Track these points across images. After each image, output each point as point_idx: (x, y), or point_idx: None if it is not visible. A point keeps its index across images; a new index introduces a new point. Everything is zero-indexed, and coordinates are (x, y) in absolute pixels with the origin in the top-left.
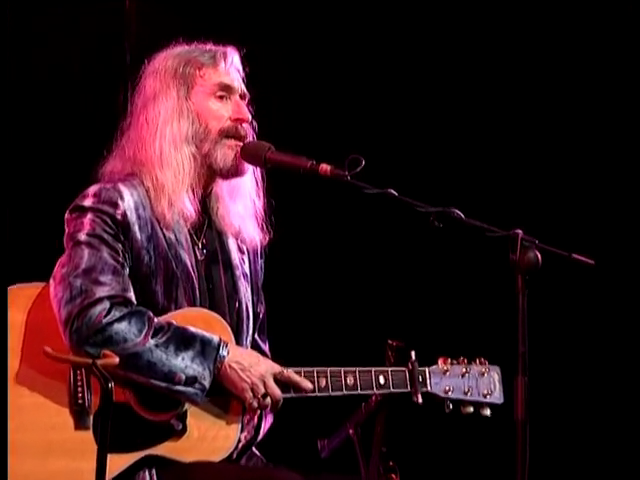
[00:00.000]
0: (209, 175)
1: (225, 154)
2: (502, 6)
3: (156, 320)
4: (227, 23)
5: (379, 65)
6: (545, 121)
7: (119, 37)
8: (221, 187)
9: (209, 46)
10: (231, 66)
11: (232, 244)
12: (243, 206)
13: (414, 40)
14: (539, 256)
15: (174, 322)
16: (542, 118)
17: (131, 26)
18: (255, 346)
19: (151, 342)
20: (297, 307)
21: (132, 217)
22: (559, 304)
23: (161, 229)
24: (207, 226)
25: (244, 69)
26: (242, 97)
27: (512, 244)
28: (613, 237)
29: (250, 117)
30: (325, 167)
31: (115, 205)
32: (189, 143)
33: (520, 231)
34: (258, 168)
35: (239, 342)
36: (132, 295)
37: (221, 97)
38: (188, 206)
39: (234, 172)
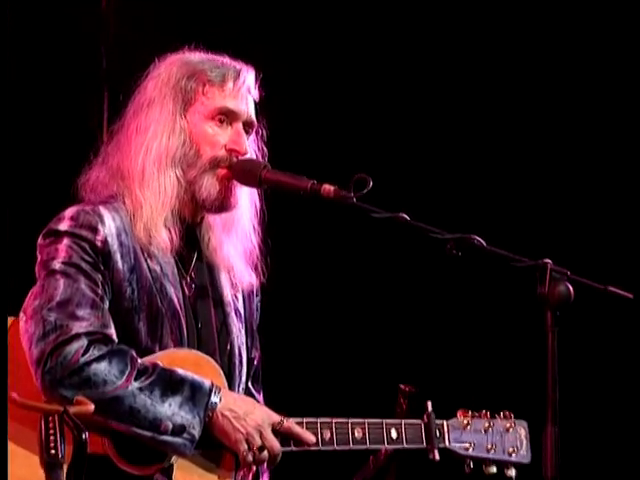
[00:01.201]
0: (195, 204)
1: (211, 185)
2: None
3: (140, 361)
4: (213, 26)
5: (393, 80)
6: (579, 144)
7: (95, 39)
8: (213, 217)
9: (224, 59)
10: (242, 88)
11: (224, 279)
12: (238, 240)
13: (430, 59)
14: (571, 289)
15: (160, 363)
16: (574, 141)
17: (108, 27)
18: (248, 396)
19: (134, 385)
20: (297, 348)
21: (113, 244)
22: (594, 343)
23: (145, 259)
24: (197, 258)
25: (260, 92)
26: (247, 125)
27: (540, 275)
28: None
29: (247, 150)
30: (328, 188)
31: (95, 230)
32: (175, 165)
33: (549, 261)
34: (257, 200)
35: (231, 389)
36: (113, 332)
37: (221, 121)
38: (163, 235)
39: (219, 206)
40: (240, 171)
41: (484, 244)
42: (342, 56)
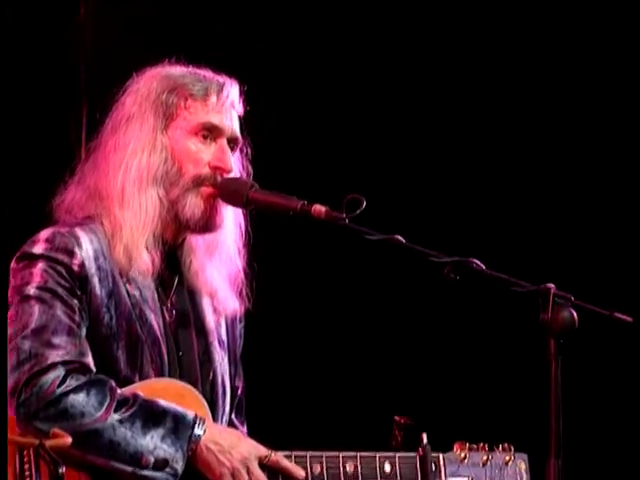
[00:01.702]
0: (178, 224)
1: (195, 204)
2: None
3: (119, 391)
4: (195, 38)
5: (388, 94)
6: (582, 166)
7: (73, 50)
8: (196, 239)
9: (206, 73)
10: (225, 102)
11: (206, 305)
12: (221, 263)
13: (425, 75)
14: (575, 316)
15: (140, 394)
16: (577, 163)
17: (86, 38)
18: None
19: (114, 417)
20: (285, 376)
21: (91, 268)
22: (599, 372)
23: (124, 284)
24: (178, 282)
25: (244, 107)
26: (232, 141)
27: (543, 301)
28: None
29: (232, 167)
30: (319, 208)
31: (71, 253)
32: (157, 184)
33: (552, 285)
34: (242, 221)
35: (214, 421)
36: (90, 361)
37: (205, 137)
38: (145, 257)
39: (203, 226)
40: (226, 191)
41: (483, 268)
42: (332, 68)
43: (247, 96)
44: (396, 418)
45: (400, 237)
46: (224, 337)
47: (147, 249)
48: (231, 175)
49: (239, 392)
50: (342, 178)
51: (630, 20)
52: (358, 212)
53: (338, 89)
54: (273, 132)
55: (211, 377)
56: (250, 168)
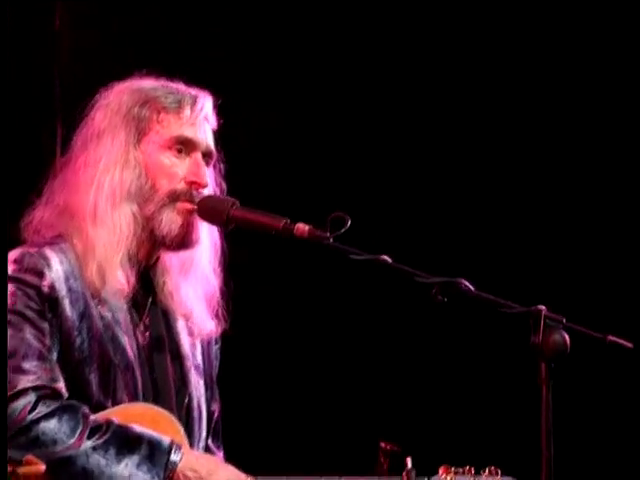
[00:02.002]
0: (152, 242)
1: (172, 220)
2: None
3: (92, 417)
4: (171, 52)
5: (372, 106)
6: (572, 185)
7: (47, 62)
8: (169, 257)
9: (178, 86)
10: (199, 115)
11: (181, 326)
12: (196, 283)
13: (410, 92)
14: (567, 339)
15: (114, 420)
16: (567, 181)
17: (62, 51)
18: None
19: (87, 444)
20: (265, 400)
21: (61, 289)
22: (592, 397)
23: (96, 305)
24: (151, 303)
25: (218, 121)
26: (206, 155)
27: (534, 323)
28: None
29: (208, 182)
30: (302, 227)
31: (41, 274)
32: (131, 200)
33: (543, 307)
34: (218, 239)
35: (191, 446)
36: (62, 386)
37: (179, 151)
38: (120, 278)
39: (180, 243)
40: (206, 209)
41: (472, 289)
42: (313, 79)
43: (223, 109)
44: (382, 444)
45: (386, 257)
46: (199, 359)
47: (121, 268)
48: (206, 190)
49: (215, 416)
50: (326, 195)
51: (630, 20)
52: (343, 231)
53: (321, 101)
54: (251, 147)
55: (187, 401)
56: (224, 184)
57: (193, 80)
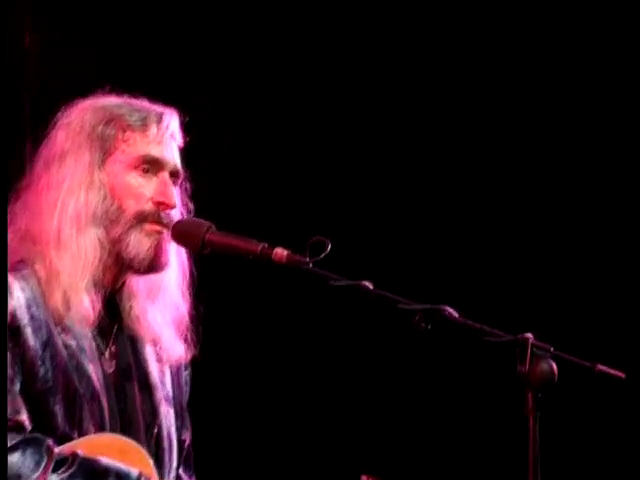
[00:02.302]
0: (119, 266)
1: (140, 242)
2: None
3: (57, 450)
4: (141, 68)
5: (352, 122)
6: (558, 208)
7: (16, 81)
8: (136, 281)
9: (142, 103)
10: (166, 133)
11: (149, 353)
12: (165, 307)
13: (388, 113)
14: (555, 368)
15: (80, 452)
16: (553, 205)
17: (31, 69)
18: None
19: (52, 478)
20: (238, 428)
21: (23, 318)
22: (580, 428)
23: (59, 333)
24: (117, 330)
25: (184, 138)
26: (174, 175)
27: (520, 352)
28: None
29: (177, 202)
30: (281, 252)
31: None
32: (96, 224)
33: (530, 335)
34: (186, 260)
35: (161, 477)
36: (26, 418)
37: (145, 171)
38: (86, 304)
39: (149, 265)
40: (180, 233)
41: (456, 316)
42: (284, 93)
43: (190, 126)
44: (363, 478)
45: (368, 283)
46: (169, 387)
47: (87, 294)
48: (174, 211)
49: (186, 445)
50: (305, 218)
51: (630, 20)
52: (323, 256)
53: (296, 117)
54: (220, 165)
55: (156, 431)
56: (191, 204)
57: (158, 97)
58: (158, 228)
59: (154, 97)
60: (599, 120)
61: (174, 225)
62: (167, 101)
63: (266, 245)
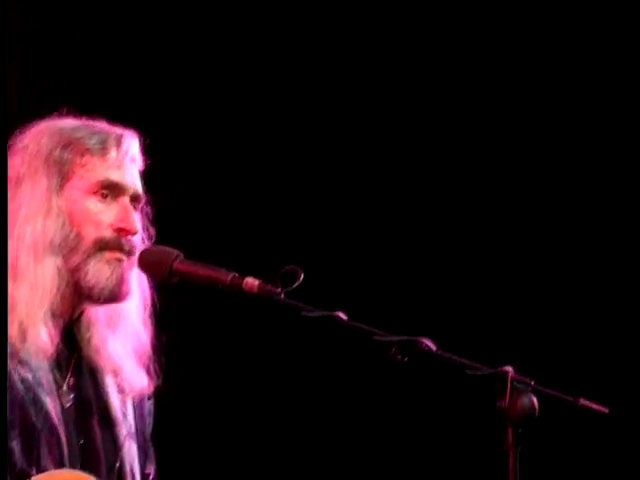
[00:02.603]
0: (78, 296)
1: (99, 270)
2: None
3: None
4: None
5: (326, 146)
6: (540, 237)
7: None
8: (95, 310)
9: (101, 125)
10: (125, 157)
11: (110, 384)
12: (126, 337)
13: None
14: (535, 402)
15: None
16: (536, 230)
17: (10, 94)
18: None
19: None
20: (202, 459)
21: None
22: (561, 465)
23: (15, 366)
24: (76, 361)
25: (145, 161)
26: (134, 200)
27: (500, 386)
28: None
29: (138, 228)
30: (251, 282)
31: None
32: (54, 252)
33: (510, 369)
34: (148, 288)
35: None
36: None
37: (105, 196)
38: (43, 336)
39: (109, 295)
40: (147, 261)
41: (434, 348)
42: (251, 113)
43: (151, 148)
44: None
45: (342, 314)
46: (131, 419)
47: (45, 326)
48: (136, 237)
49: (151, 478)
50: (277, 246)
51: (630, 20)
52: (295, 285)
53: (264, 138)
54: (188, 190)
55: (118, 466)
56: (152, 230)
57: (117, 118)
58: (119, 256)
59: (113, 119)
60: (597, 126)
61: (140, 254)
62: (127, 123)
63: (236, 274)
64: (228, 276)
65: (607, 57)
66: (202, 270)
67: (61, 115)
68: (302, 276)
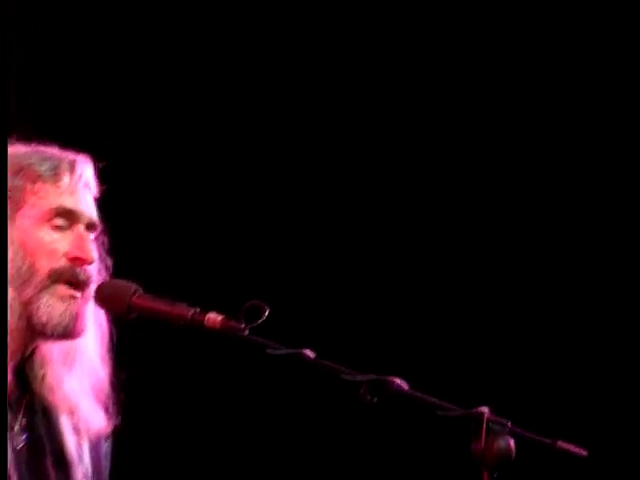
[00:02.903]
0: (31, 332)
1: (52, 306)
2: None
3: None
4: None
5: (286, 174)
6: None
7: None
8: (49, 347)
9: (53, 151)
10: (79, 182)
11: (65, 424)
12: (82, 374)
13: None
14: (512, 445)
15: None
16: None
17: None
18: None
19: None
20: None
21: None
22: None
23: None
24: (28, 401)
25: (100, 188)
26: (90, 228)
27: (475, 428)
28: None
29: (95, 257)
30: (214, 318)
31: None
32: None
33: (486, 410)
34: (105, 322)
35: None
36: None
37: (59, 225)
38: None
39: (63, 332)
40: (104, 296)
41: (406, 388)
42: (206, 138)
43: (106, 173)
44: None
45: (309, 351)
46: (87, 461)
47: None
48: (92, 267)
49: None
50: (241, 280)
51: (630, 20)
52: (260, 321)
53: (225, 163)
54: (146, 217)
55: None
56: (109, 260)
57: (70, 143)
58: (73, 293)
59: (65, 144)
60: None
61: (96, 288)
62: (80, 147)
63: (197, 310)
64: (189, 312)
65: (607, 57)
66: (162, 306)
67: (11, 141)
68: (267, 311)
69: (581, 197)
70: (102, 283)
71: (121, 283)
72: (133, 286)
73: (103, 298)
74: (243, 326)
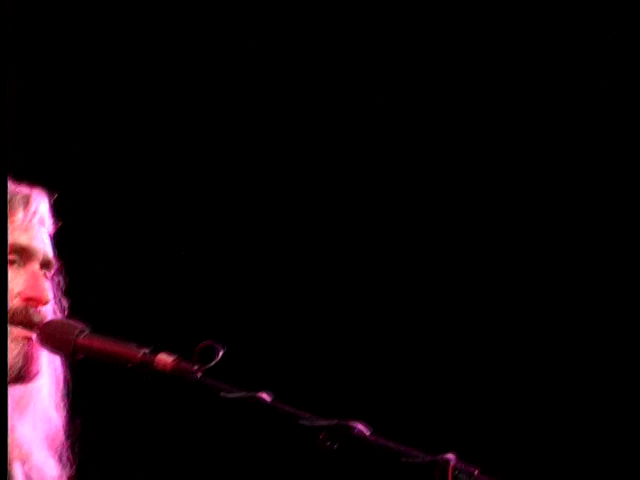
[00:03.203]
0: None
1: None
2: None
3: None
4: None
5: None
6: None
7: None
8: None
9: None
10: (34, 218)
11: (17, 474)
12: (36, 421)
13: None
14: None
15: None
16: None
17: None
18: None
19: None
20: None
21: None
22: None
23: None
24: None
25: (56, 223)
26: (45, 266)
27: (441, 475)
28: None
29: (50, 297)
30: (164, 359)
31: None
32: None
33: (452, 456)
34: (60, 366)
35: None
36: None
37: (12, 263)
38: None
39: (16, 376)
40: (48, 336)
41: (367, 434)
42: (163, 170)
43: (62, 209)
44: None
45: (265, 395)
46: None
47: None
48: (47, 308)
49: None
50: (195, 319)
51: (630, 20)
52: (213, 363)
53: (185, 200)
54: (104, 256)
55: None
56: (64, 301)
57: (24, 177)
58: (26, 334)
59: (19, 177)
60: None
61: (41, 327)
62: (34, 181)
63: (148, 351)
64: (139, 352)
65: (607, 57)
66: (110, 346)
67: None
68: (222, 352)
69: (580, 199)
70: (47, 322)
71: (66, 322)
72: (79, 326)
73: (48, 338)
74: (196, 368)
